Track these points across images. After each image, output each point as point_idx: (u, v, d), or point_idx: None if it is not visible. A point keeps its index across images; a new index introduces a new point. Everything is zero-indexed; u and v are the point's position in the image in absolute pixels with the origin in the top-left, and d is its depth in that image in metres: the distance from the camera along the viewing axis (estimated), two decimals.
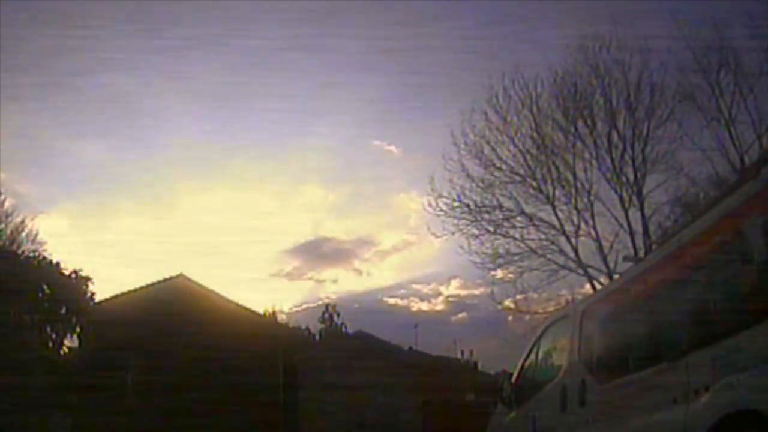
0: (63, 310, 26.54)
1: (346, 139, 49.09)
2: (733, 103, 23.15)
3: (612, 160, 24.12)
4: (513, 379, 9.19)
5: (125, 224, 48.64)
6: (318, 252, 54.40)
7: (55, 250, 30.54)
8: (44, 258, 27.57)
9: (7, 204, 28.98)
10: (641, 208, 24.14)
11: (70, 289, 26.50)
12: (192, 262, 53.57)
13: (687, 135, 23.83)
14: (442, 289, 59.61)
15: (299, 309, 49.78)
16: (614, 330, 7.51)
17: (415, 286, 61.05)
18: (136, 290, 24.04)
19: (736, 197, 5.94)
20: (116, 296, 25.08)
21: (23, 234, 28.87)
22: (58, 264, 27.68)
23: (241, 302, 25.52)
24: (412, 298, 62.83)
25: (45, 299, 26.65)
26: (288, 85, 45.31)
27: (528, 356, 9.11)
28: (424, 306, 54.08)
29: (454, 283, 54.34)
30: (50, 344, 26.49)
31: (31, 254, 27.66)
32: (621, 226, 24.07)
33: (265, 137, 49.87)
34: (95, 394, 18.05)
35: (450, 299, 51.71)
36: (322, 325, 40.87)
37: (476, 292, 53.21)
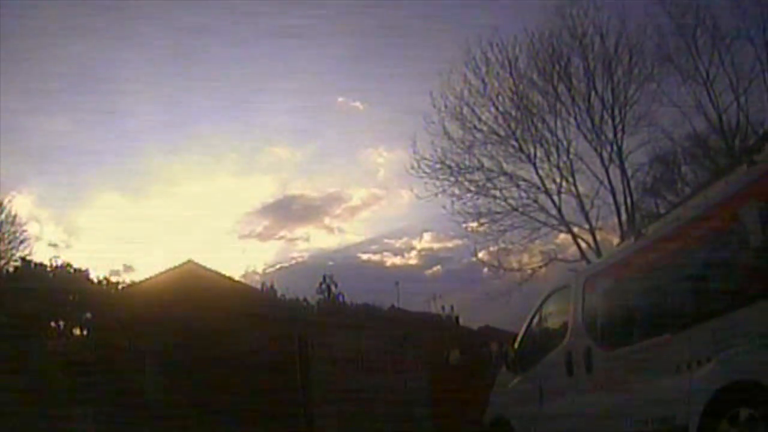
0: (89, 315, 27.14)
1: (310, 97, 48.73)
2: (711, 63, 23.79)
3: (591, 119, 24.63)
4: (516, 344, 9.70)
5: (97, 198, 48.28)
6: (288, 211, 54.20)
7: (32, 231, 30.61)
8: (71, 265, 28.87)
9: None
10: (621, 166, 24.79)
11: (98, 295, 27.57)
12: (162, 229, 53.33)
13: (666, 95, 24.49)
14: (415, 243, 59.58)
15: (273, 269, 49.98)
16: (617, 300, 7.98)
17: (387, 240, 60.91)
18: (146, 279, 24.42)
19: (738, 177, 6.44)
20: (129, 286, 26.12)
21: (2, 215, 28.52)
22: (87, 272, 28.97)
23: (250, 284, 26.95)
24: (385, 253, 62.90)
25: (73, 306, 27.52)
26: (250, 43, 45.14)
27: (530, 323, 9.60)
28: (398, 261, 54.18)
29: (427, 236, 54.46)
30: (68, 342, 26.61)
31: (65, 264, 28.89)
32: (601, 183, 24.75)
33: (228, 98, 49.32)
34: (113, 384, 18.37)
35: (423, 253, 51.88)
36: (320, 297, 40.41)
37: (449, 244, 53.44)
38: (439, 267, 54.33)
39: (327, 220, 66.81)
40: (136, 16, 38.28)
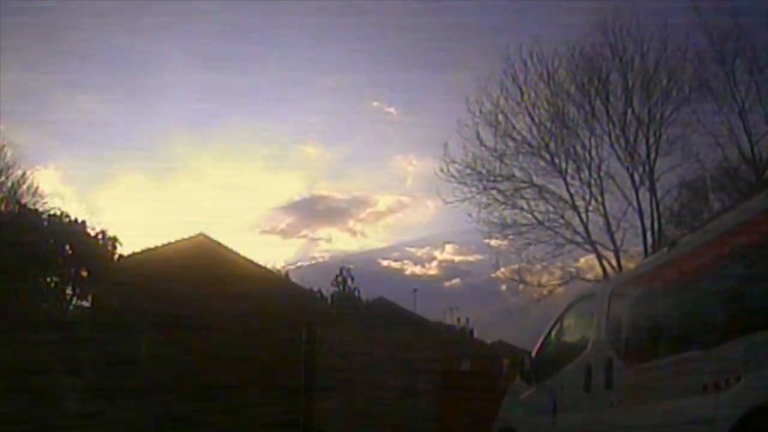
0: (85, 273, 25.54)
1: (345, 99, 48.92)
2: (748, 92, 23.40)
3: (626, 138, 24.36)
4: (534, 353, 9.35)
5: (122, 180, 48.57)
6: (312, 210, 54.30)
7: (55, 204, 29.48)
8: (68, 216, 26.22)
9: (8, 156, 28.18)
10: (651, 189, 24.40)
11: (95, 250, 25.48)
12: (187, 218, 53.42)
13: (701, 121, 24.11)
14: (436, 253, 59.56)
15: (292, 266, 50.01)
16: (644, 312, 7.58)
17: (409, 249, 61.00)
18: (155, 248, 23.60)
19: None
20: (135, 254, 24.35)
21: (24, 187, 28.16)
22: (83, 223, 26.41)
23: (261, 263, 25.49)
24: (405, 261, 62.75)
25: (68, 260, 25.50)
26: (288, 43, 45.22)
27: (550, 333, 9.24)
28: (418, 270, 54.07)
29: (449, 248, 54.50)
30: (64, 305, 25.76)
31: (55, 211, 26.45)
32: (630, 203, 24.40)
33: (263, 93, 49.29)
34: (109, 355, 17.98)
35: (443, 264, 51.92)
36: (336, 289, 39.64)
37: (471, 258, 53.49)
38: (458, 280, 54.08)
39: (351, 223, 66.96)
40: (177, 8, 38.62)
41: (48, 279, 25.36)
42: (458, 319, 34.85)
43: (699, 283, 6.68)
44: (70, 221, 26.01)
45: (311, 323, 17.46)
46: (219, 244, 23.56)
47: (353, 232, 59.44)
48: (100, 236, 26.49)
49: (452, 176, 24.90)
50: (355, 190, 62.50)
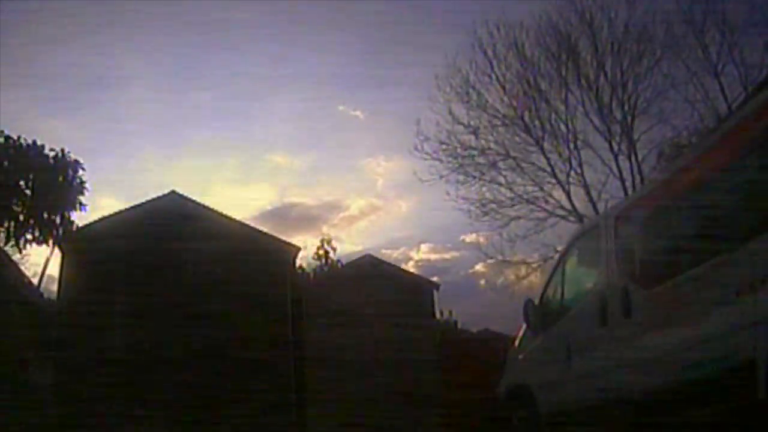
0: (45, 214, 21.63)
1: (310, 105, 48.13)
2: (720, 53, 23.08)
3: (600, 105, 23.92)
4: (538, 299, 8.74)
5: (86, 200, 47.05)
6: (285, 218, 53.40)
7: None
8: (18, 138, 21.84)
9: None
10: (630, 155, 23.98)
11: (55, 177, 21.63)
12: None
13: (674, 86, 23.73)
14: (412, 253, 59.01)
15: None
16: (657, 230, 7.01)
17: (384, 251, 60.43)
18: (120, 212, 21.43)
19: None
20: (99, 220, 21.53)
21: None
22: (42, 147, 22.23)
23: (242, 219, 22.67)
24: None
25: (21, 191, 21.78)
26: (250, 50, 44.55)
27: (553, 275, 8.63)
28: None
29: (424, 247, 54.25)
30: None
31: None
32: (611, 171, 23.94)
33: (228, 104, 48.63)
34: (79, 338, 16.80)
35: (420, 264, 51.08)
36: (317, 263, 37.66)
37: (447, 256, 53.27)
38: (436, 278, 53.46)
39: (324, 229, 66.29)
40: (141, 19, 37.81)
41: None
42: (441, 312, 34.32)
43: (715, 183, 6.13)
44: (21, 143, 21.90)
45: (298, 296, 16.63)
46: (194, 202, 21.79)
47: None
48: (59, 156, 22.27)
49: (426, 153, 24.48)
50: (327, 195, 61.86)
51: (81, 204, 22.13)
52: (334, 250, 37.97)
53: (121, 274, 18.60)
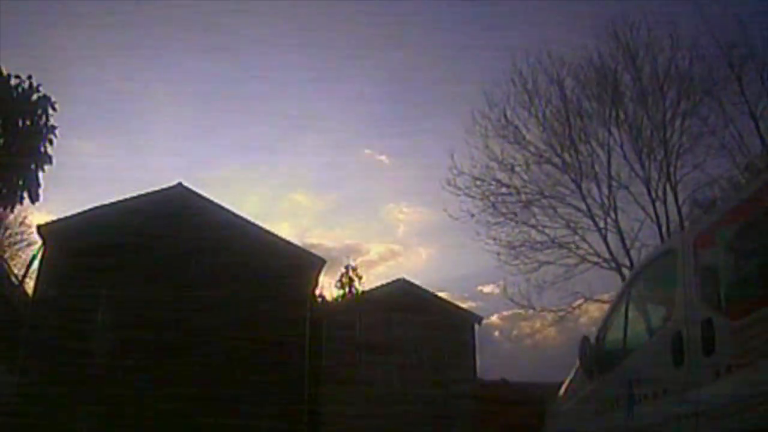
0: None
1: (336, 147, 47.96)
2: (761, 96, 22.11)
3: (640, 146, 22.95)
4: (594, 339, 7.54)
5: None
6: None
7: None
8: None
9: None
10: (665, 200, 22.89)
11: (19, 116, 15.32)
12: None
13: (712, 131, 22.76)
14: None
15: None
16: (748, 250, 5.86)
17: None
18: (118, 203, 18.88)
19: None
20: (90, 210, 18.72)
21: None
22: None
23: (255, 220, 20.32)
24: None
25: None
26: (280, 89, 44.49)
27: (615, 309, 7.47)
28: None
29: (441, 295, 52.77)
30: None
31: None
32: (647, 215, 22.83)
33: (254, 141, 48.51)
34: (60, 347, 15.17)
35: None
36: (341, 292, 35.10)
37: (463, 305, 51.78)
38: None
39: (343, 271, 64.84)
40: (169, 55, 37.63)
41: None
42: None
43: None
44: None
45: (317, 316, 15.19)
46: (203, 197, 19.53)
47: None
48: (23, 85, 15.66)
49: (458, 188, 23.73)
50: (347, 238, 61.12)
51: (48, 156, 15.64)
52: (360, 278, 35.41)
53: (114, 275, 16.74)
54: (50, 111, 15.71)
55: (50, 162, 15.54)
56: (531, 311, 23.97)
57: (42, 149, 15.55)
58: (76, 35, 38.68)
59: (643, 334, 6.90)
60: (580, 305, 23.88)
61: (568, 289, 23.61)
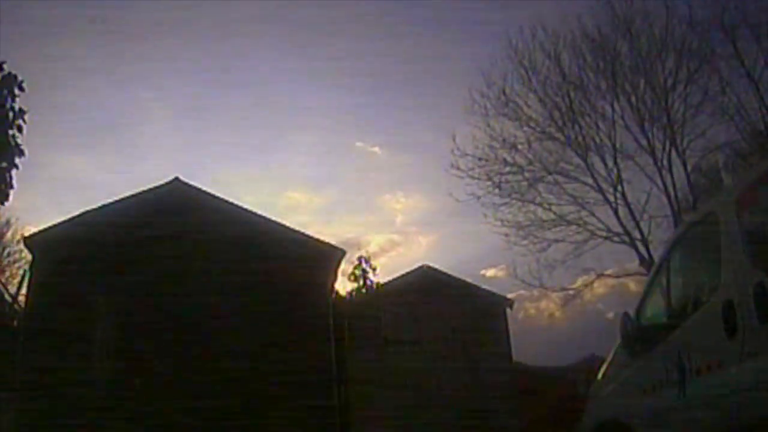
0: None
1: (328, 142, 47.82)
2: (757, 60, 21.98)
3: (641, 116, 22.65)
4: (635, 313, 7.14)
5: None
6: None
7: None
8: None
9: None
10: (671, 169, 22.65)
11: None
12: None
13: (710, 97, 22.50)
14: None
15: None
16: None
17: None
18: (110, 204, 17.60)
19: None
20: (79, 215, 17.41)
21: None
22: None
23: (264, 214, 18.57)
24: None
25: None
26: (269, 86, 44.22)
27: (654, 282, 7.08)
28: None
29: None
30: None
31: None
32: (656, 185, 22.59)
33: (247, 141, 48.44)
34: (52, 367, 14.32)
35: None
36: (354, 285, 33.03)
37: None
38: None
39: (344, 266, 64.68)
40: (158, 63, 37.40)
41: None
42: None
43: None
44: None
45: (340, 320, 14.50)
46: (204, 192, 18.24)
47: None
48: None
49: (462, 170, 23.63)
50: (346, 233, 61.00)
51: (19, 147, 13.42)
52: (374, 270, 33.06)
53: (114, 282, 15.65)
54: (17, 92, 13.46)
55: (22, 154, 13.39)
56: (541, 291, 23.88)
57: (10, 139, 13.29)
58: (64, 33, 38.13)
59: (689, 306, 6.50)
60: (592, 281, 23.74)
61: (579, 266, 23.49)
